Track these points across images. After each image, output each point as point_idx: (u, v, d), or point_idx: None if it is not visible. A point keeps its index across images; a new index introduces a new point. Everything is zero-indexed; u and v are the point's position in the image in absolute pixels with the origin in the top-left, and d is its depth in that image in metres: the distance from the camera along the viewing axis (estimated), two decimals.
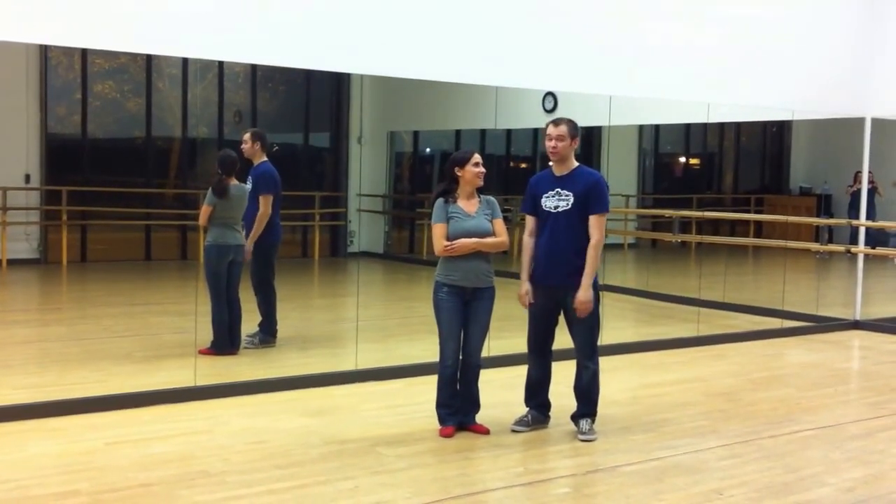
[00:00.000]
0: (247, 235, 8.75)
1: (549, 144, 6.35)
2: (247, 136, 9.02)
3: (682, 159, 21.55)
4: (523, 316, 6.58)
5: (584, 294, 6.25)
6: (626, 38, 9.40)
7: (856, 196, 14.82)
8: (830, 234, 13.37)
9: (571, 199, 6.29)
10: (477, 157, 6.35)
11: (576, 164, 6.44)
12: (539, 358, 6.57)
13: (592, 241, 6.27)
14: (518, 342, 6.94)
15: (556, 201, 6.33)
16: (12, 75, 14.17)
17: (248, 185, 8.84)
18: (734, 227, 18.35)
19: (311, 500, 5.10)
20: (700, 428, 6.75)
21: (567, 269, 6.31)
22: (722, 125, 20.32)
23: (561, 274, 6.33)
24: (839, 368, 9.46)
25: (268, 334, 9.02)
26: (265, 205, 8.80)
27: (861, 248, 11.75)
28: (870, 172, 11.81)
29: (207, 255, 8.55)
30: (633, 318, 12.12)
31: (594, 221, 6.29)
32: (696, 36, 9.97)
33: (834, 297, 13.10)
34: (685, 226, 15.66)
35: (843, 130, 14.39)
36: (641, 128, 18.57)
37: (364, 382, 7.80)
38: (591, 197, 6.29)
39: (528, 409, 6.60)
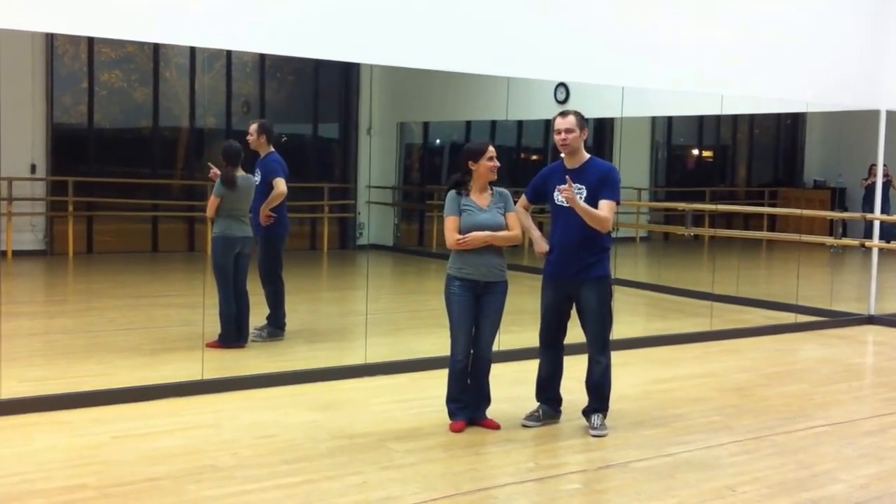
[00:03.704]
0: (255, 230, 8.68)
1: (559, 137, 6.29)
2: (252, 127, 8.95)
3: (695, 152, 21.46)
4: (535, 310, 6.53)
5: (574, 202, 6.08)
6: (640, 28, 9.35)
7: (870, 189, 14.75)
8: (844, 228, 13.30)
9: (584, 193, 6.22)
10: (491, 151, 6.27)
11: (587, 155, 6.38)
12: (550, 352, 6.52)
13: (594, 211, 6.13)
14: (529, 336, 6.90)
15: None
16: (18, 64, 14.11)
17: (257, 177, 8.77)
18: (747, 221, 18.26)
19: (320, 495, 5.06)
20: (712, 423, 6.72)
21: (579, 264, 6.28)
22: (735, 117, 20.20)
23: (573, 268, 6.29)
24: (853, 364, 9.40)
25: (276, 327, 8.97)
26: (280, 185, 8.67)
27: (875, 242, 11.67)
28: (885, 166, 11.76)
29: (214, 247, 8.51)
30: (644, 312, 12.07)
31: (603, 204, 6.18)
32: (709, 27, 9.92)
33: (848, 292, 13.06)
34: (698, 219, 15.59)
35: (858, 123, 14.31)
36: (654, 120, 18.48)
37: (373, 376, 7.76)
38: (604, 185, 6.21)
39: (538, 403, 6.56)
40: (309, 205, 16.44)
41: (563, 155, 6.38)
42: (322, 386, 7.43)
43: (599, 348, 6.39)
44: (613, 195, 6.26)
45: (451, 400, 6.35)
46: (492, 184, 6.35)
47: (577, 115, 6.32)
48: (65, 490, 5.02)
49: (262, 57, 16.23)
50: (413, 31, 7.96)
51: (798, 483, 5.52)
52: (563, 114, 6.34)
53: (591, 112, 6.42)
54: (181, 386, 7.07)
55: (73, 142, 15.52)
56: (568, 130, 6.26)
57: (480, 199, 6.28)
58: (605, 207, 6.20)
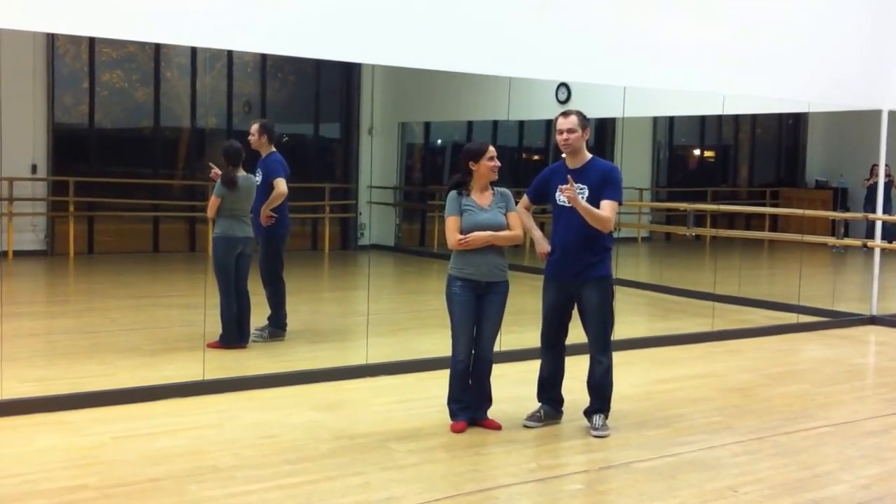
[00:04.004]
0: (255, 230, 8.66)
1: (561, 137, 6.27)
2: (254, 127, 8.94)
3: (697, 152, 21.44)
4: (536, 310, 6.52)
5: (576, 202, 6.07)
6: (641, 28, 9.32)
7: (872, 189, 14.72)
8: (846, 228, 13.28)
9: (586, 193, 6.20)
10: (492, 151, 6.26)
11: (589, 156, 6.36)
12: (552, 352, 6.50)
13: (596, 210, 6.13)
14: (530, 336, 6.89)
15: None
16: (19, 64, 14.07)
17: (258, 178, 8.76)
18: (749, 221, 18.24)
19: (321, 496, 5.05)
20: (714, 424, 6.70)
21: (580, 264, 6.26)
22: (737, 117, 20.20)
23: (574, 269, 6.28)
24: (855, 364, 9.38)
25: (277, 327, 8.95)
26: (280, 185, 8.67)
27: (877, 242, 11.65)
28: (886, 166, 11.75)
29: (215, 248, 8.49)
30: (646, 312, 12.05)
31: (605, 205, 6.16)
32: (711, 27, 9.89)
33: (850, 292, 13.05)
34: (700, 219, 15.57)
35: (860, 123, 14.29)
36: (656, 120, 18.46)
37: (375, 377, 7.74)
38: (606, 185, 6.20)
39: (540, 404, 6.54)
40: (310, 205, 16.42)
41: (564, 155, 6.38)
42: (324, 386, 7.41)
43: (601, 349, 6.37)
44: (616, 195, 6.23)
45: (452, 400, 6.33)
46: (493, 184, 6.34)
47: (580, 115, 6.31)
48: (66, 490, 5.01)
49: (264, 57, 16.23)
50: (414, 31, 7.93)
51: (800, 483, 5.50)
52: (566, 113, 6.33)
53: (593, 112, 6.42)
54: (183, 386, 7.05)
55: (74, 142, 15.50)
56: (570, 130, 6.24)
57: (481, 198, 6.27)
58: (607, 207, 6.18)
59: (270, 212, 8.72)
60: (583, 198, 6.15)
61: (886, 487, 5.52)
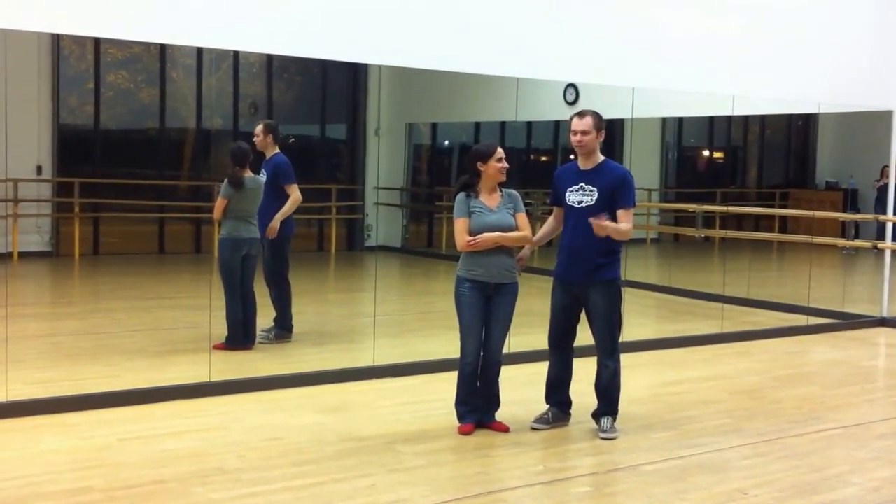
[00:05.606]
0: (260, 229, 8.63)
1: (575, 139, 6.25)
2: (258, 128, 8.93)
3: (706, 153, 21.41)
4: (545, 312, 6.50)
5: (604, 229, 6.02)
6: (650, 28, 9.30)
7: (883, 191, 14.65)
8: (857, 230, 13.23)
9: (596, 195, 6.18)
10: (500, 152, 6.23)
11: (602, 157, 6.33)
12: (560, 355, 6.47)
13: (623, 227, 6.12)
14: (539, 338, 6.87)
15: (580, 196, 6.24)
16: (24, 65, 14.03)
17: (262, 177, 8.74)
18: (758, 222, 18.20)
19: (328, 498, 5.02)
20: (723, 426, 6.67)
21: (588, 265, 6.24)
22: (746, 118, 20.15)
23: (582, 270, 6.26)
24: (865, 366, 9.35)
25: (283, 329, 8.93)
26: (296, 191, 8.76)
27: (888, 243, 11.59)
28: None
29: (221, 249, 8.47)
30: (655, 314, 12.02)
31: (622, 215, 6.16)
32: (720, 27, 9.87)
33: (860, 294, 13.02)
34: (708, 220, 15.53)
35: (871, 124, 14.24)
36: (664, 120, 18.44)
37: (381, 379, 7.72)
38: (619, 194, 6.18)
39: (548, 406, 6.51)
40: (317, 206, 16.38)
41: (573, 156, 6.36)
42: (330, 388, 7.39)
43: (608, 352, 6.34)
44: (629, 202, 6.21)
45: (459, 402, 6.30)
46: (501, 185, 6.31)
47: (595, 116, 6.26)
48: (71, 493, 4.99)
49: (270, 57, 16.21)
50: (421, 32, 7.91)
51: (810, 486, 5.48)
52: (581, 114, 6.29)
53: (602, 113, 6.40)
54: (188, 388, 7.03)
55: (79, 143, 15.49)
56: (584, 132, 6.21)
57: (490, 200, 6.24)
58: (625, 217, 6.17)
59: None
60: (593, 199, 6.16)
61: None
